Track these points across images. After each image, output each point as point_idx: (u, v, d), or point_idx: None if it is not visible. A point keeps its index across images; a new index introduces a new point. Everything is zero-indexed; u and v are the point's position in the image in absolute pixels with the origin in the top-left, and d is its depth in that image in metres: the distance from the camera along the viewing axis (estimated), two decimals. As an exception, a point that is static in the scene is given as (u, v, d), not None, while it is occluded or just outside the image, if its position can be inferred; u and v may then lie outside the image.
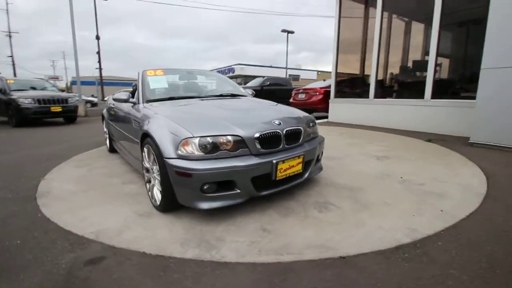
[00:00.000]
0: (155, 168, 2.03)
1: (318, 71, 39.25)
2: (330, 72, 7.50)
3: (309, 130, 2.36)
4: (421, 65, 5.86)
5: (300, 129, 2.17)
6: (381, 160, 3.38)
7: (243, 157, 1.85)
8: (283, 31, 24.50)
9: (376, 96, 6.29)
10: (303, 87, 9.14)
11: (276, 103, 2.84)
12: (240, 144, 1.86)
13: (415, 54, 6.74)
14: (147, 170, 2.25)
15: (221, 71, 35.99)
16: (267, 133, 1.96)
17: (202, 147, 1.78)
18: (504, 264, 1.43)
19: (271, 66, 36.85)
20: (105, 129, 4.25)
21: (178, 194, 1.85)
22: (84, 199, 2.40)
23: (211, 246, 1.64)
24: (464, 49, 6.15)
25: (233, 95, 3.09)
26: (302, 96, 8.50)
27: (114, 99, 3.02)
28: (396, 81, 6.46)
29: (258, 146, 1.91)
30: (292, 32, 24.76)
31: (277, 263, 1.48)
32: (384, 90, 6.37)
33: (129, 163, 3.29)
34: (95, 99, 22.93)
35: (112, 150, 4.06)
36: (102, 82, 16.46)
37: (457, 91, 5.03)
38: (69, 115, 8.21)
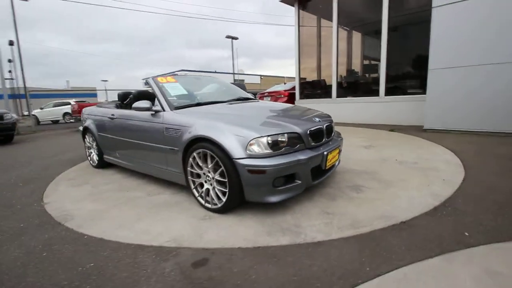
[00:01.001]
0: (212, 171, 2.09)
1: (261, 76, 40.93)
2: (273, 76, 8.17)
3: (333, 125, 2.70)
4: (372, 68, 6.88)
5: (333, 124, 2.49)
6: (369, 149, 3.95)
7: (302, 151, 2.07)
8: (228, 37, 24.89)
9: (338, 96, 7.11)
10: (267, 91, 9.62)
11: (291, 105, 3.11)
12: (297, 140, 2.07)
13: (367, 59, 7.83)
14: (197, 175, 2.26)
15: (163, 78, 34.50)
16: (315, 129, 2.23)
17: (270, 145, 1.94)
18: (505, 201, 1.99)
19: (215, 72, 36.82)
20: (89, 144, 3.87)
21: (247, 191, 1.96)
22: (122, 215, 2.26)
23: (295, 232, 1.81)
24: (407, 53, 7.44)
25: (247, 99, 3.24)
26: (267, 100, 8.94)
27: (122, 107, 2.85)
28: (354, 82, 7.40)
29: (311, 140, 2.15)
30: (236, 38, 25.35)
31: (360, 234, 1.75)
32: (345, 90, 7.24)
33: (144, 174, 3.15)
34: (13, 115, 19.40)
35: (102, 165, 3.73)
36: (26, 94, 14.11)
37: (405, 88, 6.11)
38: (6, 134, 6.95)
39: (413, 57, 6.08)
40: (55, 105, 16.96)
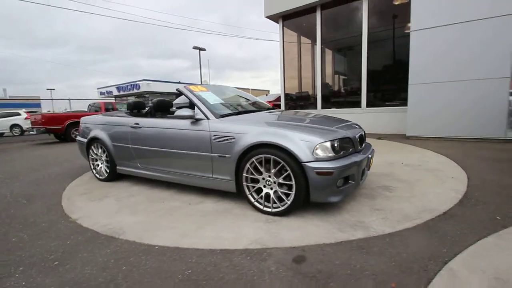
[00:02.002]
0: (274, 175, 2.19)
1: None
2: (245, 88, 8.56)
3: None
4: (354, 82, 7.55)
5: (364, 131, 2.78)
6: (370, 154, 4.37)
7: (355, 154, 2.29)
8: (195, 48, 24.77)
9: (323, 107, 7.63)
10: (267, 100, 9.85)
11: (320, 113, 3.35)
12: (350, 144, 2.30)
13: (348, 75, 8.53)
14: (254, 181, 2.33)
15: (123, 87, 32.66)
16: (359, 134, 2.48)
17: (333, 148, 2.12)
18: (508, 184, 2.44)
19: (179, 82, 36.07)
20: (95, 156, 3.62)
21: (314, 192, 2.10)
22: (177, 225, 2.21)
23: (363, 227, 2.00)
24: (385, 69, 8.30)
25: (271, 109, 3.40)
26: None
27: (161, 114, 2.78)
28: (337, 95, 8.01)
29: (358, 144, 2.40)
30: (203, 49, 25.36)
31: (417, 225, 2.00)
32: (329, 102, 7.79)
33: (167, 184, 3.10)
34: None
35: (112, 178, 3.51)
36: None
37: (384, 100, 6.84)
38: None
39: (390, 72, 6.87)
40: (1, 116, 14.95)
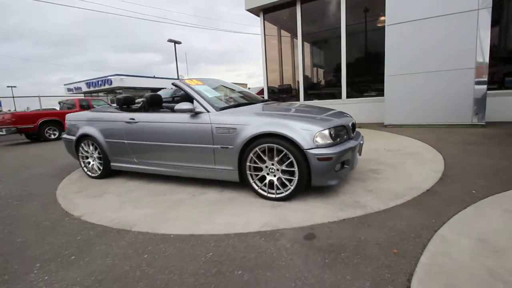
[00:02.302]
0: (277, 163, 2.33)
1: (203, 81, 40.27)
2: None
3: None
4: (334, 75, 7.85)
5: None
6: (354, 142, 4.66)
7: (349, 141, 2.49)
8: (170, 41, 24.00)
9: (305, 99, 7.86)
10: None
11: (312, 104, 3.51)
12: (344, 132, 2.48)
13: (328, 68, 8.80)
14: (257, 169, 2.45)
15: (94, 83, 31.00)
16: (352, 123, 2.68)
17: (331, 136, 2.29)
18: (484, 170, 2.78)
19: (154, 77, 34.86)
20: (86, 153, 3.54)
21: (315, 177, 2.26)
22: (187, 215, 2.29)
23: (360, 206, 2.20)
24: (364, 62, 8.67)
25: (265, 101, 3.52)
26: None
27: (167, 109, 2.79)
28: (318, 87, 8.27)
29: (351, 132, 2.60)
30: (179, 43, 24.65)
31: (407, 201, 2.24)
32: (310, 94, 8.04)
33: (166, 178, 3.16)
34: None
35: (106, 175, 3.47)
36: None
37: (362, 92, 7.21)
38: None
39: (368, 64, 7.22)
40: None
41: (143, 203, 2.61)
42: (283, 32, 8.61)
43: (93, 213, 2.46)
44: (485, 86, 4.97)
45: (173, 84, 3.05)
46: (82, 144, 3.55)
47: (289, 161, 2.30)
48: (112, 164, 3.38)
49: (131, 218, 2.29)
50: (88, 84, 31.36)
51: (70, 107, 10.02)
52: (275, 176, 2.41)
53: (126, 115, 3.16)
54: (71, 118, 3.77)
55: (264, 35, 8.21)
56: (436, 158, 3.42)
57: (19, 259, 1.78)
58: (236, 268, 1.52)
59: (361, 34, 7.07)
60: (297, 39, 7.78)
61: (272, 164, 2.39)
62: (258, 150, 2.39)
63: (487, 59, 4.87)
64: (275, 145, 2.31)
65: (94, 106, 10.11)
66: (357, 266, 1.47)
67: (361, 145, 2.67)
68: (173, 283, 1.43)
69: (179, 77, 39.92)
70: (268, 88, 8.52)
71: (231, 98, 3.29)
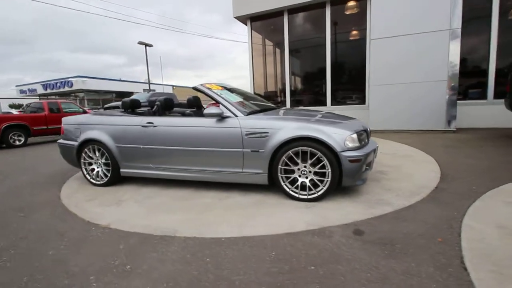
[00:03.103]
0: (310, 165, 2.46)
1: (173, 86, 39.34)
2: (185, 87, 8.80)
3: None
4: (318, 83, 8.26)
5: (365, 124, 3.25)
6: (349, 146, 4.98)
7: (369, 144, 2.71)
8: (140, 43, 23.05)
9: (291, 105, 8.15)
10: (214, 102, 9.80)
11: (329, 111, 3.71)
12: (365, 136, 2.70)
13: (314, 76, 9.20)
14: (288, 171, 2.55)
15: (51, 85, 28.52)
16: (367, 127, 2.92)
17: (358, 139, 2.49)
18: (476, 169, 3.19)
19: (120, 80, 33.08)
20: (89, 160, 3.33)
21: (345, 178, 2.43)
22: (225, 218, 2.30)
23: (386, 203, 2.41)
24: (346, 72, 9.20)
25: (276, 106, 3.64)
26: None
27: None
28: (304, 94, 8.59)
29: (369, 136, 2.83)
30: (150, 45, 23.77)
31: (424, 198, 2.51)
32: (296, 101, 8.34)
33: (182, 183, 3.16)
34: None
35: (113, 182, 3.29)
36: None
37: (345, 99, 7.69)
38: None
39: (351, 74, 7.74)
40: None
41: (172, 209, 2.55)
42: (268, 41, 8.87)
43: (122, 221, 2.35)
44: (455, 97, 5.67)
45: (194, 88, 3.03)
46: (86, 150, 3.33)
47: (321, 163, 2.44)
48: (122, 170, 3.23)
49: (168, 224, 2.24)
50: (45, 86, 28.76)
51: (36, 110, 9.14)
52: (307, 177, 2.53)
53: (143, 119, 3.06)
54: (70, 121, 3.51)
55: (252, 43, 8.38)
56: (428, 159, 3.83)
57: (64, 273, 1.66)
58: (307, 264, 1.60)
59: (344, 46, 7.58)
60: (282, 47, 8.08)
61: (305, 166, 2.51)
62: (291, 153, 2.49)
63: (457, 73, 5.57)
64: (308, 148, 2.44)
65: (65, 109, 9.36)
66: (414, 255, 1.64)
67: (377, 148, 2.91)
68: (253, 284, 1.47)
69: (146, 80, 38.30)
70: (255, 94, 8.66)
71: (252, 103, 3.35)
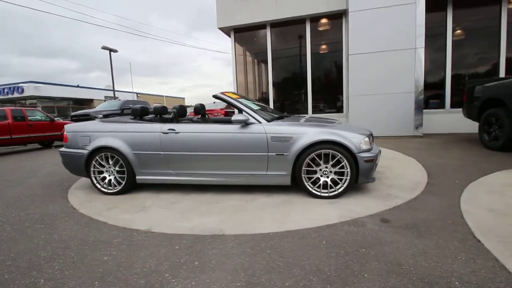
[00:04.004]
0: (331, 166, 2.77)
1: (137, 94, 37.67)
2: (150, 95, 9.07)
3: None
4: (298, 93, 8.78)
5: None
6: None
7: (374, 147, 3.11)
8: (104, 48, 21.85)
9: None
10: (208, 109, 9.78)
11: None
12: (372, 139, 3.10)
13: (295, 86, 9.68)
14: (311, 172, 2.81)
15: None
16: (372, 132, 3.33)
17: (370, 142, 2.86)
18: (452, 166, 3.79)
19: (78, 86, 30.75)
20: (99, 168, 3.25)
21: (361, 176, 2.77)
22: (263, 217, 2.48)
23: (395, 197, 2.80)
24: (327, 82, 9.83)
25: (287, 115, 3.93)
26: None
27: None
28: (287, 103, 9.03)
29: (373, 139, 3.24)
30: (115, 51, 22.66)
31: (423, 191, 2.95)
32: (280, 109, 8.74)
33: (197, 187, 3.27)
34: None
35: (126, 190, 3.25)
36: None
37: (324, 108, 8.30)
38: None
39: (330, 85, 8.38)
40: None
41: (204, 212, 2.64)
42: (251, 51, 9.23)
43: (160, 225, 2.39)
44: (421, 106, 6.53)
45: (214, 96, 3.18)
46: (97, 158, 3.24)
47: (341, 164, 2.76)
48: (138, 177, 3.21)
49: (209, 225, 2.35)
50: (-11, 92, 25.52)
51: (-5, 118, 8.24)
52: (328, 177, 2.82)
53: (163, 126, 3.11)
54: (76, 129, 3.39)
55: (235, 53, 8.65)
56: (411, 160, 4.41)
57: (135, 274, 1.70)
58: (357, 247, 1.87)
59: (323, 59, 8.23)
60: (265, 58, 8.48)
61: (326, 167, 2.81)
62: (314, 155, 2.78)
63: (422, 85, 6.45)
64: (330, 151, 2.75)
65: (29, 116, 8.59)
66: (438, 234, 2.00)
67: (380, 151, 3.33)
68: (322, 265, 1.68)
69: (106, 87, 36.09)
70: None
71: (266, 110, 3.58)
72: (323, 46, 8.16)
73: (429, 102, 7.42)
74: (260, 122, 2.94)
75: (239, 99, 3.20)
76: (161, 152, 3.09)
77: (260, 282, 1.55)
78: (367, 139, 2.84)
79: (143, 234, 2.23)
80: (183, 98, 49.42)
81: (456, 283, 1.48)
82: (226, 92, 3.32)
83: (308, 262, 1.73)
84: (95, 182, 3.30)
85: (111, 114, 11.31)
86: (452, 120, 6.96)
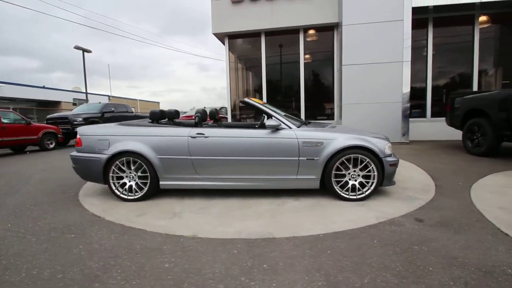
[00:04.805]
0: (359, 169, 2.92)
1: (109, 96, 35.78)
2: (123, 98, 9.01)
3: None
4: (291, 100, 9.01)
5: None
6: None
7: (392, 152, 3.33)
8: (77, 48, 20.57)
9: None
10: (186, 115, 9.64)
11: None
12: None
13: (289, 93, 9.88)
14: (340, 176, 2.94)
15: None
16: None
17: (390, 148, 3.07)
18: (448, 169, 4.15)
19: (44, 87, 28.51)
20: (118, 173, 3.11)
21: (386, 179, 2.96)
22: (302, 220, 2.55)
23: (416, 198, 3.01)
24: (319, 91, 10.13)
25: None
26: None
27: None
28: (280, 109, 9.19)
29: (388, 145, 3.47)
30: (88, 51, 21.42)
31: (437, 192, 3.21)
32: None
33: (221, 192, 3.27)
34: None
35: (147, 196, 3.13)
36: None
37: (316, 115, 8.59)
38: None
39: (321, 93, 8.71)
40: None
41: (239, 216, 2.65)
42: (243, 57, 9.32)
43: (203, 230, 2.36)
44: (408, 115, 7.06)
45: (243, 102, 3.21)
46: (118, 162, 3.09)
47: (368, 168, 2.92)
48: (162, 183, 3.11)
49: (254, 229, 2.36)
50: None
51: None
52: (355, 180, 2.97)
53: (191, 130, 3.06)
54: (93, 132, 3.22)
55: (229, 59, 8.69)
56: (412, 165, 4.75)
57: (209, 279, 1.67)
58: (409, 245, 2.01)
59: (315, 68, 8.57)
60: (259, 65, 8.63)
61: (354, 171, 2.96)
62: (344, 160, 2.91)
63: (408, 96, 6.99)
64: (359, 155, 2.91)
65: (3, 119, 7.84)
66: (470, 230, 2.22)
67: (392, 155, 3.57)
68: (387, 261, 1.79)
69: (74, 89, 33.84)
70: (232, 110, 8.92)
71: (288, 117, 3.67)
72: (316, 56, 8.51)
73: (412, 112, 8.03)
74: (291, 128, 3.03)
75: (266, 105, 3.26)
76: (189, 157, 3.04)
77: (338, 280, 1.62)
78: (390, 144, 3.05)
79: (191, 240, 2.18)
80: (158, 103, 48.01)
81: (509, 270, 1.66)
82: (252, 98, 3.37)
83: (372, 260, 1.83)
84: (113, 188, 3.14)
85: (91, 118, 10.70)
86: (433, 128, 7.60)
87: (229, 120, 8.86)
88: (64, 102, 28.56)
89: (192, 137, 3.05)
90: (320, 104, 8.64)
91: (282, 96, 9.02)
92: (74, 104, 30.31)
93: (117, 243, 2.16)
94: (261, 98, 8.79)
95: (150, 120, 3.53)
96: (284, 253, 1.95)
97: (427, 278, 1.61)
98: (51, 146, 9.04)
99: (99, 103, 12.45)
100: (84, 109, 11.81)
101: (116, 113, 11.72)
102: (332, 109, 8.34)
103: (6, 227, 2.53)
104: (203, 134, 3.05)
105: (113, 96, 37.40)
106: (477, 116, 5.31)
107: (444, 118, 6.43)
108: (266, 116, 3.18)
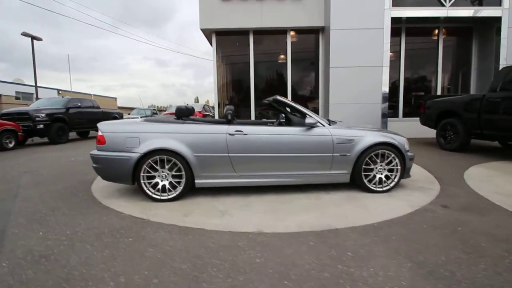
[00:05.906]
0: (385, 164, 3.22)
1: (59, 90, 32.07)
2: (74, 92, 8.82)
3: None
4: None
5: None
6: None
7: (404, 148, 3.72)
8: (25, 35, 18.03)
9: (255, 117, 8.75)
10: (167, 112, 9.22)
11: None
12: (402, 142, 3.69)
13: (276, 92, 10.00)
14: (368, 170, 3.20)
15: None
16: (395, 136, 3.95)
17: (408, 144, 3.44)
18: (447, 165, 4.74)
19: (21, 83, 24.42)
20: (149, 173, 2.96)
21: (406, 172, 3.31)
22: (346, 212, 2.74)
23: (430, 189, 3.41)
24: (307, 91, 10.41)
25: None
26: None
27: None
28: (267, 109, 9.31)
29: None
30: (39, 39, 18.92)
31: (441, 184, 3.68)
32: (261, 114, 8.98)
33: (253, 189, 3.36)
34: None
35: (180, 196, 3.03)
36: None
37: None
38: None
39: (307, 92, 9.07)
40: None
41: (286, 211, 2.74)
42: (232, 55, 9.25)
43: (264, 226, 2.40)
44: (386, 114, 7.79)
45: (275, 100, 3.30)
46: (150, 161, 2.93)
47: (393, 162, 3.24)
48: (198, 181, 3.04)
49: (311, 222, 2.47)
50: None
51: None
52: (381, 174, 3.26)
53: (229, 128, 3.04)
54: (120, 128, 3.00)
55: (216, 56, 8.55)
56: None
57: (312, 270, 1.75)
58: (453, 227, 2.32)
59: (301, 68, 8.90)
60: (247, 62, 8.67)
61: (381, 165, 3.25)
62: (373, 155, 3.18)
63: (386, 96, 7.71)
64: (386, 151, 3.20)
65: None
66: (490, 213, 2.63)
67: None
68: (448, 242, 2.06)
69: (15, 80, 29.76)
70: (219, 106, 8.81)
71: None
72: (302, 56, 8.85)
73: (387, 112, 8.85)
74: (324, 126, 3.20)
75: (295, 102, 3.39)
76: (228, 154, 3.02)
77: (421, 261, 1.83)
78: (407, 141, 3.41)
79: (261, 235, 2.22)
80: (115, 98, 44.46)
81: (540, 243, 2.06)
82: (281, 96, 3.46)
83: (434, 241, 2.09)
84: (145, 188, 2.97)
85: (55, 113, 9.59)
86: (405, 127, 8.46)
87: (216, 117, 8.75)
88: (5, 95, 24.85)
89: (230, 134, 3.03)
90: (305, 103, 9.01)
91: (269, 94, 9.17)
92: (17, 98, 26.74)
93: (185, 244, 2.10)
94: (249, 96, 8.85)
95: (176, 117, 3.39)
96: (357, 242, 2.11)
97: (487, 252, 1.92)
98: (10, 145, 7.92)
99: (62, 97, 11.21)
100: (45, 103, 10.51)
101: (82, 109, 10.69)
102: (317, 108, 8.76)
103: (39, 235, 2.26)
104: (242, 131, 3.05)
105: (63, 90, 33.66)
106: (449, 117, 6.11)
107: (413, 118, 7.26)
108: (283, 115, 3.32)
